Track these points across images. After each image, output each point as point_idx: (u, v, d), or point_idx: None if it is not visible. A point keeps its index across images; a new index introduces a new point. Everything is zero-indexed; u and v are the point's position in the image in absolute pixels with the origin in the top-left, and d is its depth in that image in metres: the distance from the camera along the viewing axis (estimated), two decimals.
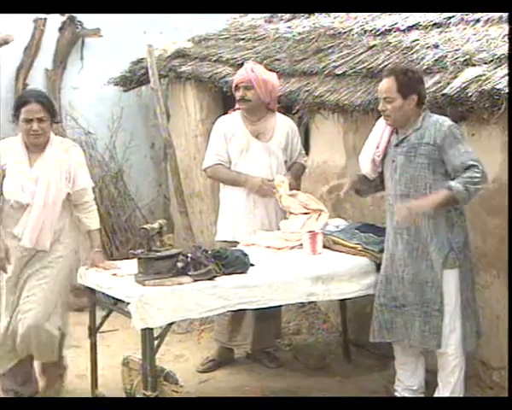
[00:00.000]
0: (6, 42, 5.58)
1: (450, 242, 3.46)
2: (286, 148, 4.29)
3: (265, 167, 4.22)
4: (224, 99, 5.51)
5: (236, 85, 4.21)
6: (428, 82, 3.73)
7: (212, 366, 4.32)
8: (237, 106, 4.26)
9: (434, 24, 4.28)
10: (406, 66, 3.70)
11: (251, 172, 4.19)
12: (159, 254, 3.42)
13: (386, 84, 3.44)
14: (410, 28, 4.40)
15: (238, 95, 4.20)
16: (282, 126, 4.30)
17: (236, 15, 6.18)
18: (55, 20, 6.04)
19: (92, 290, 3.71)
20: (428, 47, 4.03)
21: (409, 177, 3.49)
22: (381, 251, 3.75)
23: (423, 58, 3.92)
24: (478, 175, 3.32)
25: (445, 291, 3.47)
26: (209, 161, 4.29)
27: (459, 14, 4.18)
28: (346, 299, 4.15)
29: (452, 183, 3.34)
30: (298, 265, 3.74)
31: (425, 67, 3.85)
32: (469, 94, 3.46)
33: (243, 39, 5.55)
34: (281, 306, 4.08)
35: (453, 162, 3.38)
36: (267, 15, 5.83)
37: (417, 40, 4.18)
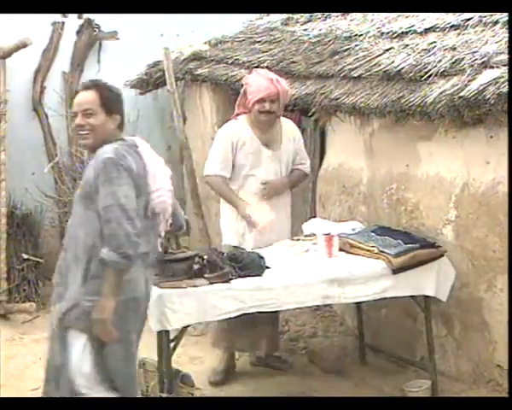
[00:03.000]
0: (24, 45, 5.63)
1: (77, 296, 2.87)
2: (294, 154, 4.26)
3: (275, 175, 4.18)
4: None
5: (262, 98, 4.03)
6: (446, 85, 3.71)
7: (224, 377, 4.21)
8: (259, 117, 4.08)
9: (452, 26, 4.25)
10: (108, 83, 3.17)
11: (262, 179, 4.12)
12: (175, 256, 3.43)
13: (88, 97, 2.97)
14: (427, 30, 4.37)
15: (264, 107, 4.05)
16: (289, 132, 4.25)
17: (253, 18, 6.19)
18: (72, 24, 6.10)
19: None
20: (446, 49, 4.00)
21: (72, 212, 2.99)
22: (397, 254, 3.74)
23: (440, 60, 3.90)
24: (114, 231, 2.76)
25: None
26: (212, 170, 4.14)
27: (477, 15, 4.15)
28: (361, 302, 4.15)
29: (105, 252, 2.77)
30: (314, 267, 3.73)
31: (442, 69, 3.83)
32: (487, 96, 3.43)
33: (259, 42, 5.55)
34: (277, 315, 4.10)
35: (99, 204, 2.83)
36: (283, 17, 5.83)
37: (434, 42, 4.16)
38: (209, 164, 4.18)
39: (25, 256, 5.72)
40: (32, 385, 4.21)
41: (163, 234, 3.09)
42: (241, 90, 4.24)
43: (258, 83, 4.12)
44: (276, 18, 5.93)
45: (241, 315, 3.50)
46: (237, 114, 4.24)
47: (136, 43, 6.13)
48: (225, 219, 4.26)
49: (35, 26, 5.81)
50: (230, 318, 3.95)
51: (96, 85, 3.02)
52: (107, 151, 2.88)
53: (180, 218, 3.28)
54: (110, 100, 2.98)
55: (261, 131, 4.15)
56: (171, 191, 3.08)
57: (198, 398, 3.69)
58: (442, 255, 3.87)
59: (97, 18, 6.11)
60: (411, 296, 3.89)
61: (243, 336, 4.21)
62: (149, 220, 2.97)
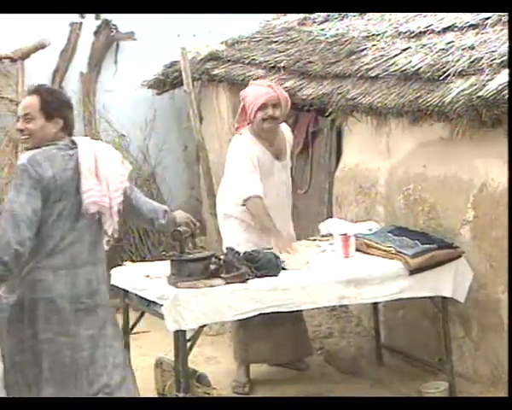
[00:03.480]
0: (42, 46, 5.68)
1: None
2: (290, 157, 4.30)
3: (284, 185, 4.18)
4: None
5: (264, 104, 3.96)
6: (464, 84, 3.69)
7: (250, 386, 4.15)
8: (262, 125, 4.00)
9: (470, 25, 4.22)
10: (53, 88, 3.22)
11: (274, 192, 4.08)
12: (191, 256, 3.44)
13: (29, 101, 3.02)
14: (445, 30, 4.35)
15: (267, 113, 3.96)
16: (287, 138, 4.23)
17: (269, 18, 6.19)
18: (90, 24, 6.13)
19: (125, 291, 3.74)
20: (464, 49, 3.98)
21: None
22: (415, 255, 3.72)
23: (458, 60, 3.88)
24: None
25: None
26: (252, 190, 3.92)
27: (496, 15, 4.12)
28: (378, 302, 4.13)
29: None
30: (330, 268, 3.72)
31: (460, 69, 3.81)
32: (506, 96, 3.41)
33: (276, 42, 5.55)
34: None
35: None
36: (300, 17, 5.82)
37: (452, 42, 4.13)
38: (246, 185, 3.95)
39: None
40: None
41: (110, 232, 3.08)
42: (240, 107, 4.14)
43: (256, 91, 4.05)
44: (292, 18, 5.92)
45: (258, 315, 3.50)
46: (237, 128, 4.16)
47: (153, 44, 6.15)
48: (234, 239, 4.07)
49: (53, 27, 5.86)
50: (249, 329, 4.00)
51: (37, 91, 3.05)
52: (23, 158, 2.94)
53: (147, 212, 3.31)
54: (50, 105, 2.99)
55: (268, 142, 4.09)
56: (118, 190, 3.04)
57: (214, 398, 3.70)
58: (460, 256, 3.85)
59: (114, 18, 6.15)
60: (429, 297, 3.88)
61: (264, 346, 4.14)
62: (84, 220, 2.99)
